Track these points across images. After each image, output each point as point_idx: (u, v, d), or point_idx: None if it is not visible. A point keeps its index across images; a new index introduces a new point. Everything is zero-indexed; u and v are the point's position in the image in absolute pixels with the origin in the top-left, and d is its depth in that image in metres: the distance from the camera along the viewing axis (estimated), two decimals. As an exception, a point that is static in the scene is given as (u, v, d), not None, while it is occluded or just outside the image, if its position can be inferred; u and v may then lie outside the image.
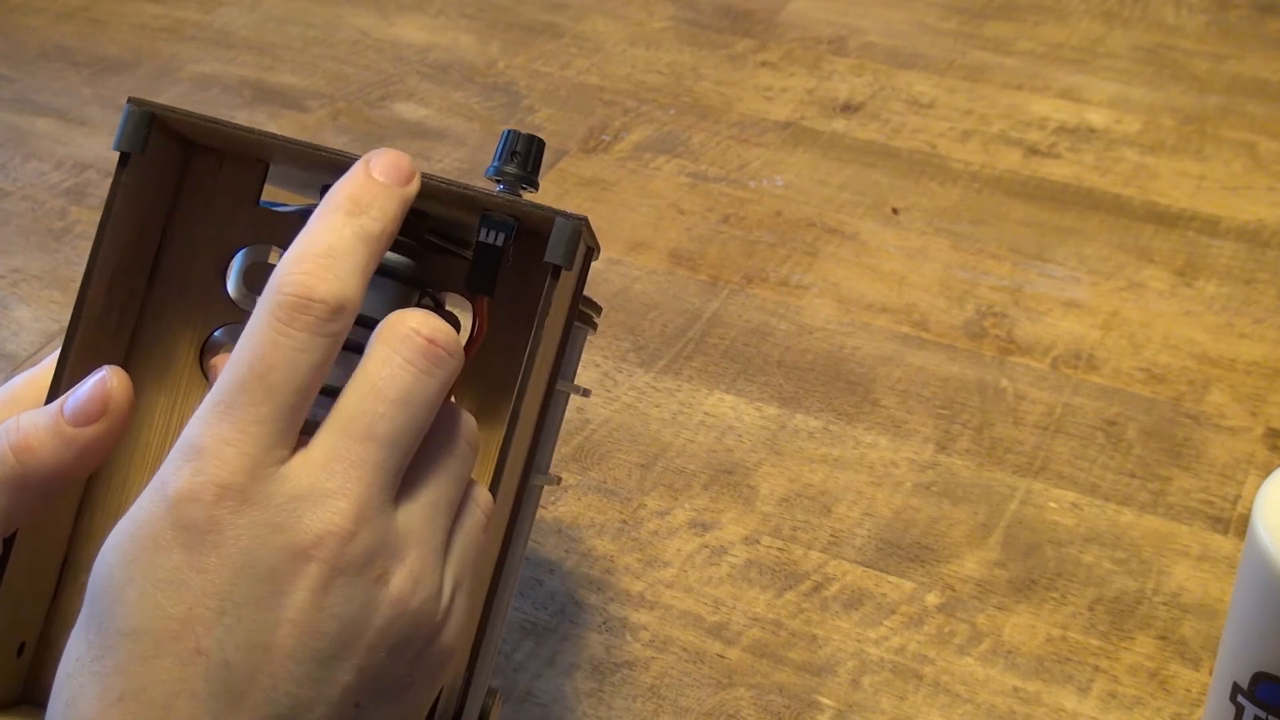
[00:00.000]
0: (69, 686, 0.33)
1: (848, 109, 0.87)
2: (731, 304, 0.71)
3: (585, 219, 0.39)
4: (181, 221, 0.43)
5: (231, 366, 0.35)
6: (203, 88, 0.91)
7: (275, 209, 0.43)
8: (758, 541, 0.58)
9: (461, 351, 0.37)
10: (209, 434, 0.34)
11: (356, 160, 0.39)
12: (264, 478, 0.34)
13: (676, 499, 0.60)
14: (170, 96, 0.90)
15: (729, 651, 0.53)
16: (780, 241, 0.75)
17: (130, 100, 0.40)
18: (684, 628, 0.54)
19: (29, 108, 0.90)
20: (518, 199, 0.40)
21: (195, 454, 0.34)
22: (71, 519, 0.43)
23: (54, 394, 0.39)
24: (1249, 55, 0.91)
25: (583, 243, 0.40)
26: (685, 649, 0.53)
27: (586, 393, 0.47)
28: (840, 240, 0.75)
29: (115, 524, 0.43)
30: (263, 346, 0.34)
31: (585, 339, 0.47)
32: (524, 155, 0.41)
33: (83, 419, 0.37)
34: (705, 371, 0.67)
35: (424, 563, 0.35)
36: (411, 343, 0.36)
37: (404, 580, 0.35)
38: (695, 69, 0.92)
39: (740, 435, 0.63)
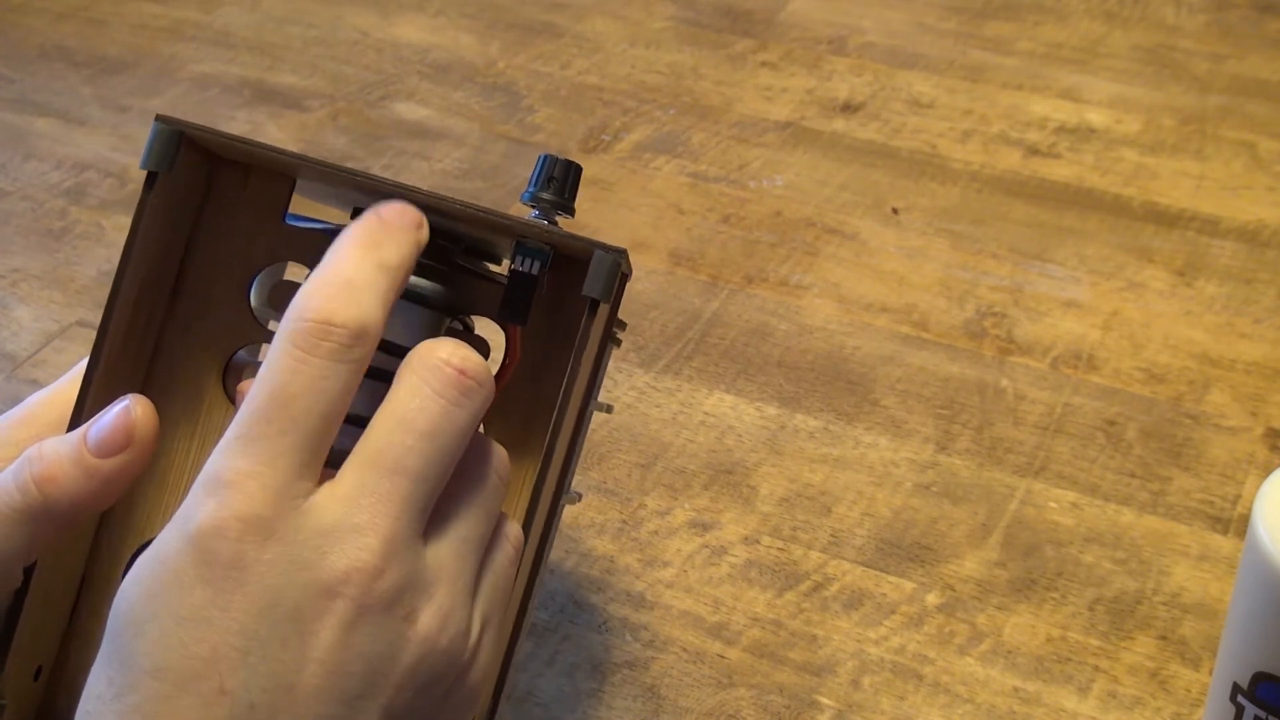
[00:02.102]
0: None
1: (848, 109, 0.87)
2: (731, 304, 0.71)
3: (624, 251, 0.38)
4: (205, 236, 0.42)
5: (253, 396, 0.34)
6: (203, 88, 0.91)
7: (301, 225, 0.42)
8: (758, 541, 0.58)
9: (492, 382, 0.36)
10: (231, 466, 0.33)
11: (385, 182, 0.38)
12: (289, 511, 0.33)
13: (676, 499, 0.60)
14: (170, 97, 0.90)
15: (729, 651, 0.53)
16: (780, 241, 0.75)
17: (159, 118, 0.39)
18: (684, 628, 0.54)
19: (29, 108, 0.90)
20: (554, 228, 0.38)
21: (218, 487, 0.33)
22: (90, 539, 0.42)
23: (77, 418, 0.39)
24: (1249, 55, 0.91)
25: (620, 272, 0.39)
26: (685, 649, 0.53)
27: (609, 408, 0.47)
28: (840, 240, 0.75)
29: (135, 544, 0.42)
30: (284, 375, 0.34)
31: (610, 354, 0.46)
32: (561, 181, 0.40)
33: (107, 450, 0.36)
34: (705, 371, 0.67)
35: (453, 601, 0.35)
36: (441, 373, 0.35)
37: (432, 618, 0.34)
38: (695, 69, 0.92)
39: (740, 435, 0.63)
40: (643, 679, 0.52)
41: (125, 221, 0.77)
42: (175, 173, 0.39)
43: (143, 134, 0.86)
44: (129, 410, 0.37)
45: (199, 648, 0.32)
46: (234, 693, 0.32)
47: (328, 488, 0.34)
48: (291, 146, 0.85)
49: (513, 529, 0.38)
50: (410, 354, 0.36)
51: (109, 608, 0.40)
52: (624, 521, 0.59)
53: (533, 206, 0.40)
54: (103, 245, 0.75)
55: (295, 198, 0.42)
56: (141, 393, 0.41)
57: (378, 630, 0.33)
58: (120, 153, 0.84)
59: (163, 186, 0.39)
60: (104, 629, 0.36)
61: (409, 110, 0.88)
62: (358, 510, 0.33)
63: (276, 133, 0.86)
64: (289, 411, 0.33)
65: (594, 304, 0.37)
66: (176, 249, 0.42)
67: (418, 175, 0.81)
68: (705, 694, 0.51)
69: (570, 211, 0.41)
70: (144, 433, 0.37)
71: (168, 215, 0.40)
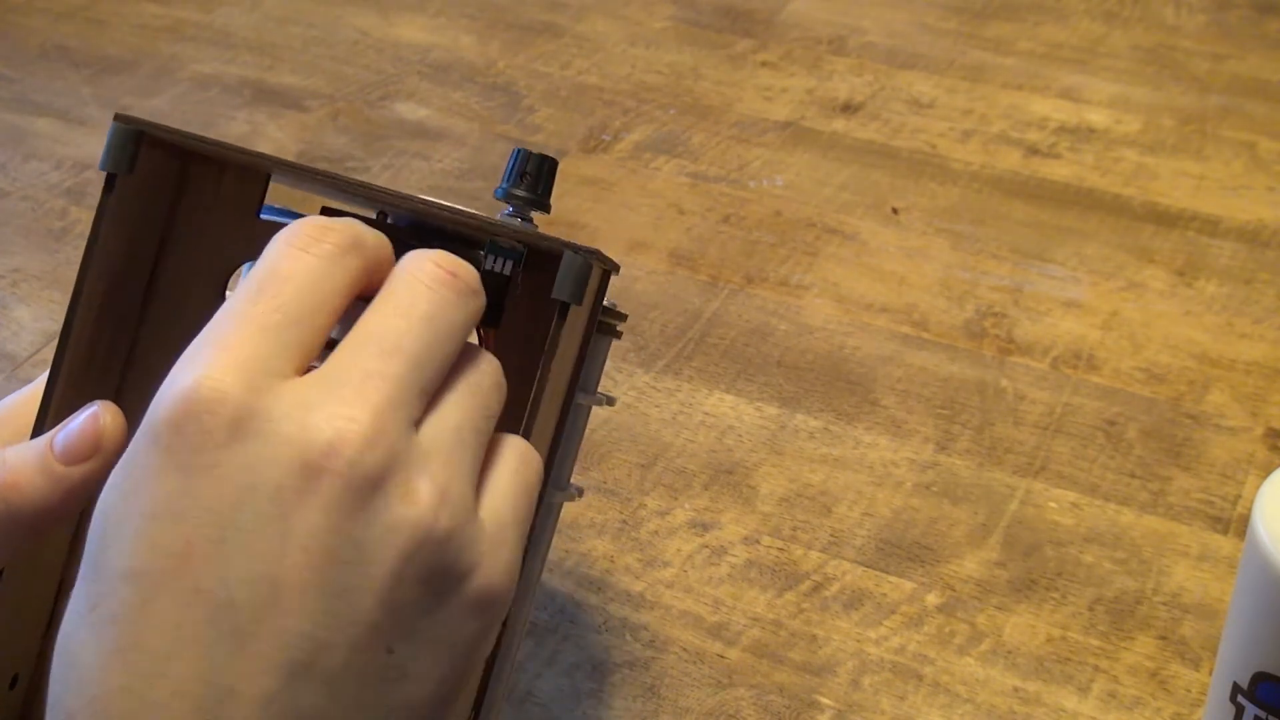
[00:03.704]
0: (68, 646, 0.30)
1: (848, 109, 0.87)
2: (731, 304, 0.71)
3: (596, 252, 0.36)
4: (180, 233, 0.41)
5: (242, 284, 0.32)
6: (203, 88, 0.91)
7: (278, 220, 0.41)
8: (758, 541, 0.58)
9: (483, 293, 0.34)
10: (209, 339, 0.31)
11: (350, 182, 0.37)
12: (267, 387, 0.30)
13: (676, 499, 0.60)
14: (170, 96, 0.90)
15: (729, 651, 0.53)
16: (780, 241, 0.75)
17: (117, 117, 0.37)
18: (684, 628, 0.54)
19: (29, 108, 0.90)
20: (526, 225, 0.37)
21: (192, 362, 0.31)
22: (67, 546, 0.41)
23: (40, 425, 0.37)
24: (1249, 55, 0.91)
25: (596, 267, 0.37)
26: (685, 649, 0.53)
27: (611, 401, 0.46)
28: (840, 240, 0.75)
29: None
30: (278, 261, 0.32)
31: (609, 348, 0.44)
32: (534, 176, 0.39)
33: (73, 457, 0.35)
34: (705, 371, 0.67)
35: (451, 480, 0.31)
36: (434, 273, 0.33)
37: (429, 497, 0.30)
38: (695, 69, 0.92)
39: (740, 435, 0.63)
40: (643, 679, 0.52)
41: (125, 221, 0.77)
42: (139, 173, 0.38)
43: (143, 134, 0.86)
44: (97, 416, 0.35)
45: (171, 543, 0.29)
46: (211, 590, 0.29)
47: (314, 370, 0.31)
48: (291, 146, 0.85)
49: (519, 439, 0.35)
50: (400, 261, 0.34)
51: None
52: (624, 521, 0.59)
53: (506, 203, 0.39)
54: (103, 245, 0.74)
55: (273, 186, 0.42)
56: (115, 397, 0.40)
57: (367, 510, 0.30)
58: (120, 153, 0.84)
59: (124, 188, 0.38)
60: None
61: (409, 110, 0.88)
62: (344, 385, 0.31)
63: (276, 133, 0.86)
64: (280, 293, 0.31)
65: (564, 307, 0.36)
66: (148, 248, 0.41)
67: (418, 175, 0.81)
68: (705, 694, 0.51)
69: (545, 208, 0.39)
70: (112, 439, 0.35)
71: (135, 215, 0.39)
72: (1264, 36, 0.94)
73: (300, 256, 0.32)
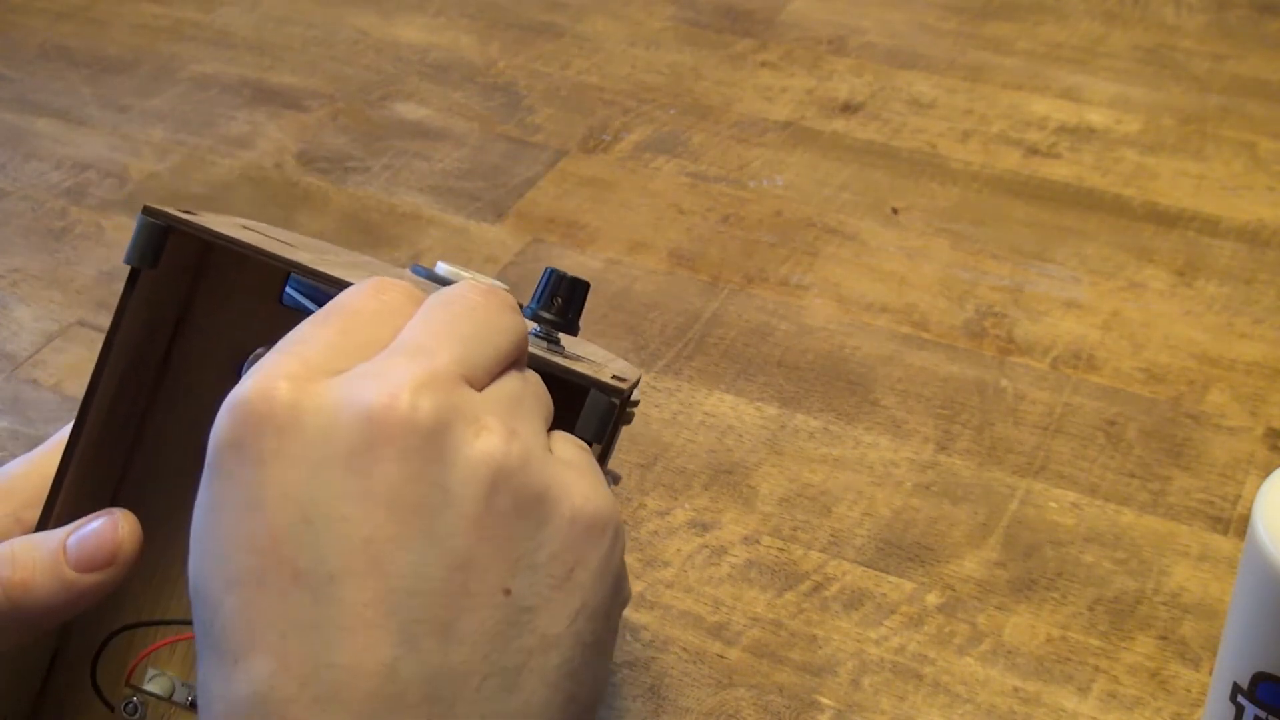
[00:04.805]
0: (199, 678, 0.30)
1: (848, 109, 0.87)
2: (731, 304, 0.71)
3: (620, 390, 0.35)
4: (198, 315, 0.40)
5: (312, 315, 0.33)
6: (202, 88, 0.91)
7: (299, 306, 0.41)
8: (758, 541, 0.58)
9: (520, 312, 0.35)
10: (282, 343, 0.31)
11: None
12: (322, 379, 0.30)
13: (676, 499, 0.60)
14: (170, 96, 0.90)
15: (729, 651, 0.53)
16: (780, 241, 0.75)
17: (145, 210, 0.36)
18: (684, 628, 0.54)
19: (29, 108, 0.90)
20: (554, 351, 0.37)
21: (260, 365, 0.31)
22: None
23: (50, 509, 0.37)
24: (1249, 55, 0.91)
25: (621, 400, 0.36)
26: (685, 649, 0.53)
27: (617, 479, 0.45)
28: (840, 240, 0.75)
29: (110, 619, 0.40)
30: (347, 299, 0.33)
31: (622, 431, 0.44)
32: (566, 300, 0.38)
33: (87, 565, 0.34)
34: (705, 371, 0.67)
35: (517, 423, 0.31)
36: (473, 286, 0.34)
37: (500, 430, 0.30)
38: (695, 69, 0.92)
39: (740, 435, 0.63)
40: (643, 679, 0.52)
41: (126, 221, 0.77)
42: (162, 264, 0.37)
43: (143, 134, 0.86)
44: (115, 525, 0.35)
45: (255, 537, 0.29)
46: (309, 572, 0.28)
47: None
48: (292, 146, 0.85)
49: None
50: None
51: (82, 684, 0.38)
52: (624, 521, 0.59)
53: (534, 322, 0.39)
54: (103, 245, 0.75)
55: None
56: (123, 474, 0.40)
57: (443, 451, 0.29)
58: (120, 153, 0.84)
59: (146, 279, 0.37)
60: (76, 706, 0.34)
61: (409, 110, 0.88)
62: (398, 357, 0.31)
63: (276, 133, 0.86)
64: (347, 318, 0.32)
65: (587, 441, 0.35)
66: (165, 329, 0.40)
67: (418, 175, 0.81)
68: (705, 694, 0.51)
69: (573, 330, 0.39)
70: (128, 552, 0.35)
71: (155, 301, 0.39)
72: (1264, 36, 0.94)
73: (369, 298, 0.33)
